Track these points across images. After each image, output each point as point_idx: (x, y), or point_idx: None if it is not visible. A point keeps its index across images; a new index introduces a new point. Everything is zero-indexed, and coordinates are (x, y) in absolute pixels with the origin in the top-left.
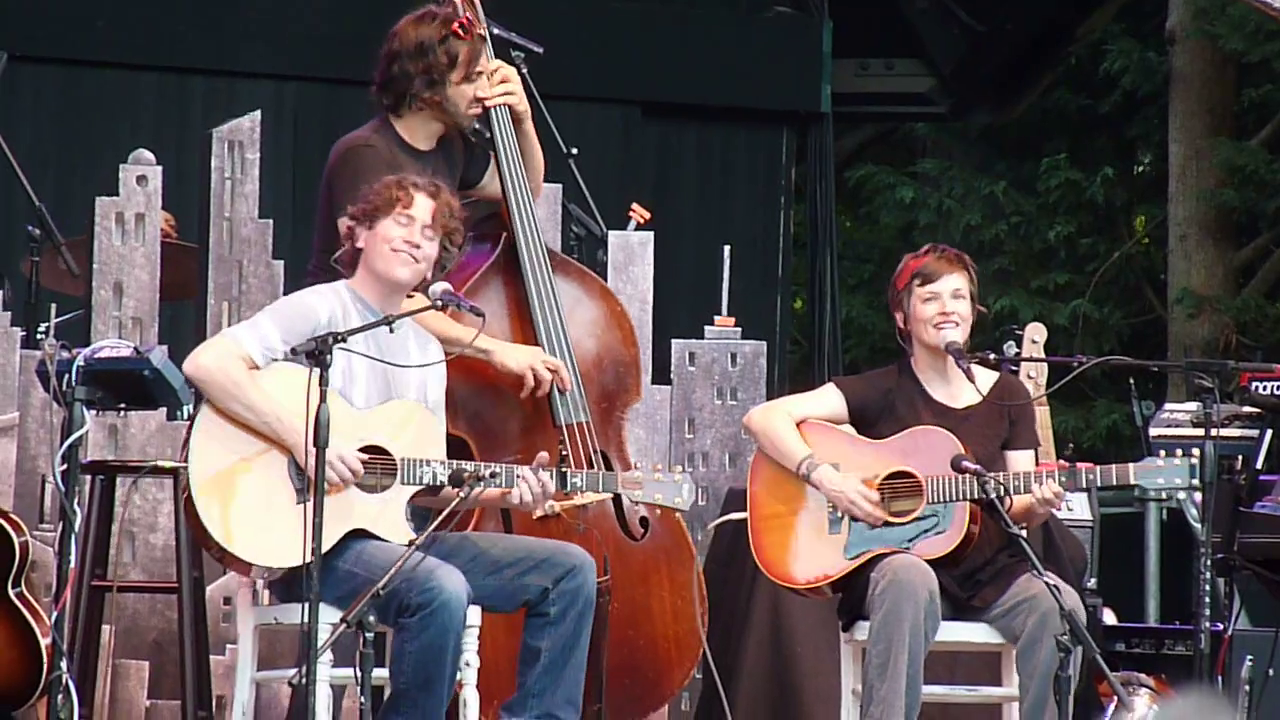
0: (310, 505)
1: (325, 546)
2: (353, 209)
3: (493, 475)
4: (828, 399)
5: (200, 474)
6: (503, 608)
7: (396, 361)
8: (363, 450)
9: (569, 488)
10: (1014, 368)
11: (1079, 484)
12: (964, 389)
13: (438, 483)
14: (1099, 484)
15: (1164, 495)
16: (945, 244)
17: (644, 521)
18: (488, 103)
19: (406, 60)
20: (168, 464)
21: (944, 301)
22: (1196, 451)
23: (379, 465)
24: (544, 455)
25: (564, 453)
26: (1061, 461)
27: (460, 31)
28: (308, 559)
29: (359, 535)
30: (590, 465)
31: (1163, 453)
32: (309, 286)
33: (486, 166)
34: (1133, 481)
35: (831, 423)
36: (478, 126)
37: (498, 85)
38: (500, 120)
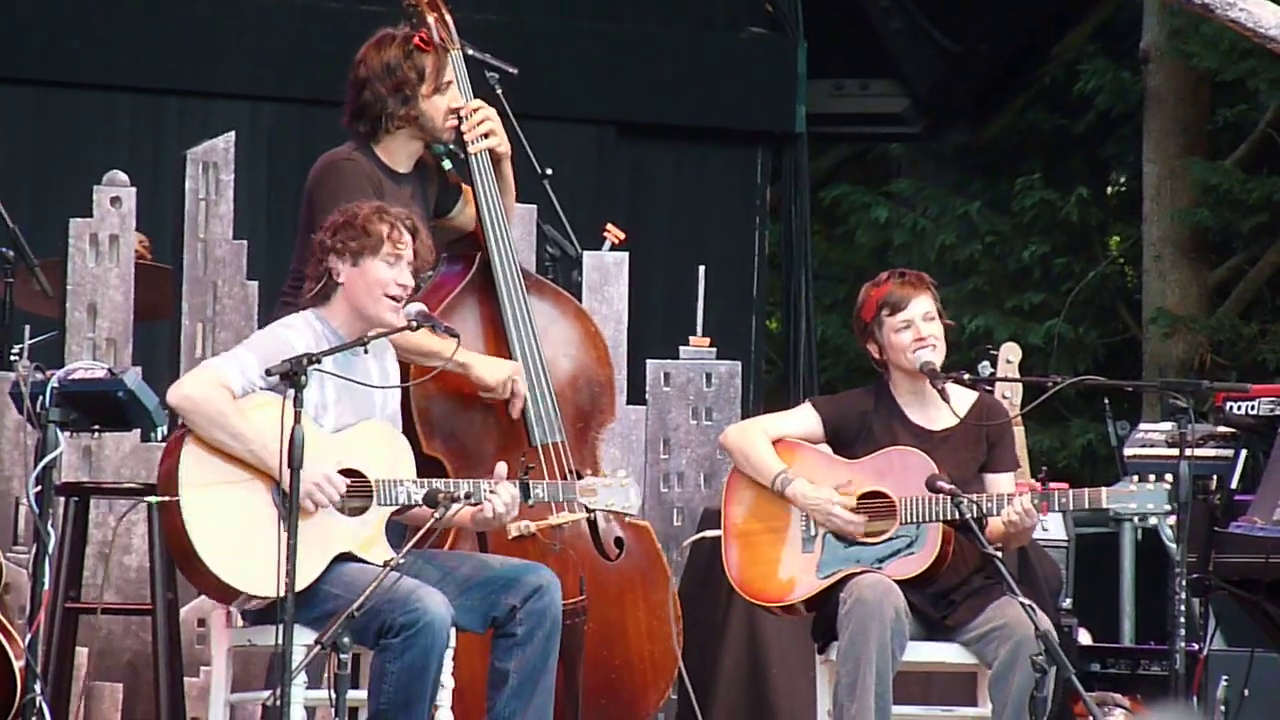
0: (289, 527)
1: (313, 574)
2: (332, 241)
3: (467, 496)
4: (804, 418)
5: (192, 503)
6: (472, 627)
7: (364, 383)
8: (341, 473)
9: (532, 500)
10: (989, 388)
11: (1051, 506)
12: (942, 411)
13: (412, 502)
14: (1071, 507)
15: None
16: (907, 266)
17: (619, 542)
18: (470, 148)
19: (376, 83)
20: (154, 499)
21: (917, 327)
22: (1170, 476)
23: (357, 488)
24: (502, 466)
25: (528, 466)
26: (1034, 482)
27: (422, 44)
28: (282, 582)
29: (340, 557)
30: None
31: (1135, 477)
32: (282, 306)
33: (459, 197)
34: (1105, 506)
35: (807, 442)
36: (448, 165)
37: (479, 126)
38: (480, 162)
